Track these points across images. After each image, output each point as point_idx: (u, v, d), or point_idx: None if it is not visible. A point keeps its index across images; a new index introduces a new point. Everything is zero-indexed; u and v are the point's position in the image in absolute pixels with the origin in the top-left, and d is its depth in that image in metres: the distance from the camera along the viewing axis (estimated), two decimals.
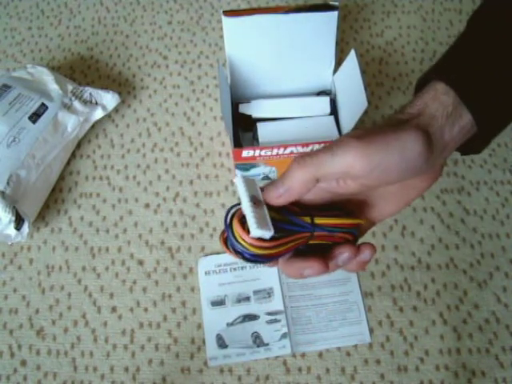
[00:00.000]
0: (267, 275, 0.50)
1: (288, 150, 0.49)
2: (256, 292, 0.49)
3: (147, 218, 0.54)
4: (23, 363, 0.47)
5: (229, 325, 0.48)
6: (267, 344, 0.47)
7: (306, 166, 0.27)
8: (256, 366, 0.46)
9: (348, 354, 0.47)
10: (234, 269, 0.50)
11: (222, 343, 0.47)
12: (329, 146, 0.27)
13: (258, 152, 0.49)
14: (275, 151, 0.50)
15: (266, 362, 0.46)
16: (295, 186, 0.28)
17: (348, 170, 0.26)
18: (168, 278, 0.51)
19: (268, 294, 0.49)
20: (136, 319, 0.49)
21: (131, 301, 0.49)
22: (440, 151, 0.28)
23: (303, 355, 0.47)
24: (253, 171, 0.53)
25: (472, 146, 0.30)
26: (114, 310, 0.49)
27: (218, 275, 0.50)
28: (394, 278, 0.50)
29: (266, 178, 0.54)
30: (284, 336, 0.47)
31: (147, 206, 0.55)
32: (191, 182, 0.56)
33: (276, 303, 0.48)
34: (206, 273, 0.50)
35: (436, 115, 0.27)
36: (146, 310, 0.49)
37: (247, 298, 0.48)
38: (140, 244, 0.52)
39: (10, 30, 0.69)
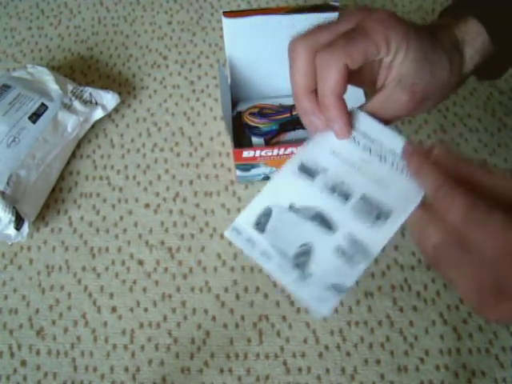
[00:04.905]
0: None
1: (288, 150, 0.50)
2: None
3: (147, 218, 0.54)
4: (23, 363, 0.47)
5: (292, 208, 0.31)
6: (310, 275, 0.29)
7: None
8: (256, 366, 0.46)
9: (348, 353, 0.47)
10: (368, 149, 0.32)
11: (261, 224, 0.31)
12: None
13: (258, 152, 0.49)
14: (276, 151, 0.50)
15: (266, 361, 0.46)
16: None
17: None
18: (168, 277, 0.51)
19: (378, 217, 0.30)
20: (136, 319, 0.49)
21: (131, 301, 0.49)
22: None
23: (303, 355, 0.47)
24: (253, 171, 0.53)
25: (490, 69, 0.35)
26: (113, 310, 0.49)
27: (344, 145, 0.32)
28: (394, 278, 0.50)
29: (267, 178, 0.54)
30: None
31: (147, 205, 0.55)
32: (191, 182, 0.56)
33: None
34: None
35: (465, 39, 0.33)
36: (146, 310, 0.49)
37: (346, 197, 0.31)
38: (140, 244, 0.52)
39: (10, 29, 0.69)
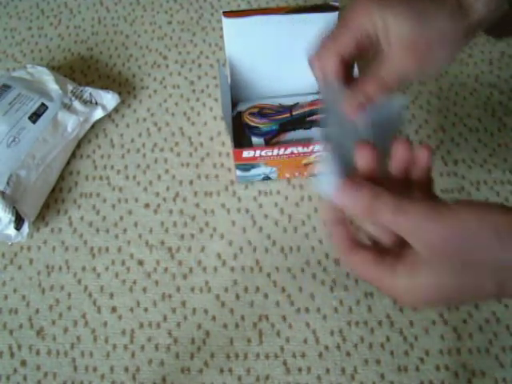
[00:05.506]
0: None
1: (288, 150, 0.50)
2: None
3: (147, 218, 0.54)
4: (23, 363, 0.47)
5: None
6: None
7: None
8: (256, 366, 0.46)
9: (348, 353, 0.47)
10: None
11: None
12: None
13: (258, 152, 0.49)
14: (276, 151, 0.50)
15: (266, 361, 0.46)
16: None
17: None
18: (168, 278, 0.51)
19: None
20: (136, 319, 0.49)
21: (131, 301, 0.49)
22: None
23: (303, 355, 0.47)
24: (253, 171, 0.53)
25: (504, 27, 0.35)
26: (113, 310, 0.49)
27: None
28: None
29: (267, 178, 0.54)
30: None
31: (147, 205, 0.55)
32: (191, 182, 0.56)
33: None
34: None
35: None
36: (146, 310, 0.49)
37: None
38: (140, 244, 0.52)
39: (10, 30, 0.69)
